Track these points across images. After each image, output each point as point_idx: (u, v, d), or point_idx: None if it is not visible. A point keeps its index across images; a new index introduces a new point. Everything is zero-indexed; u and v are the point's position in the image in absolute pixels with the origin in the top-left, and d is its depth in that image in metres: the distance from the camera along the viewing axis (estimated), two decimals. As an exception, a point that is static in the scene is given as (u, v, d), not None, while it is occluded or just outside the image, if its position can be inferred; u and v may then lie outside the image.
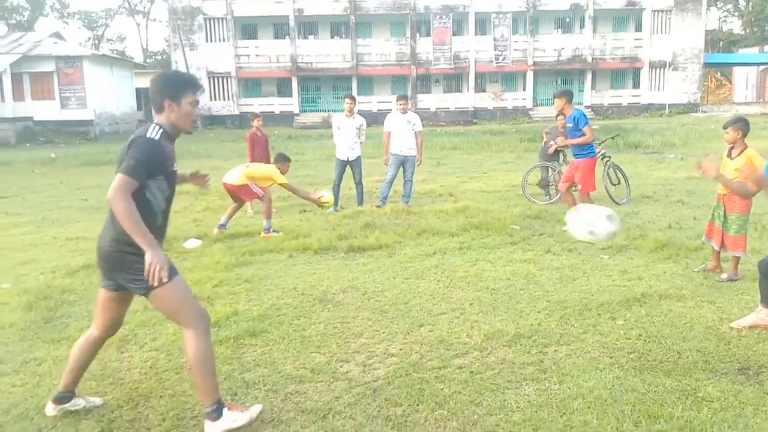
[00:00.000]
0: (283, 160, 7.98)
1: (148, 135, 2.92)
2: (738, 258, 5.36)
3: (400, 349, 3.97)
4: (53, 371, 3.77)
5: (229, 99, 39.43)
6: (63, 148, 25.90)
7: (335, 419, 3.15)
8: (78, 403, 3.27)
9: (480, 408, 3.23)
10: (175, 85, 3.01)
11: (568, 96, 7.47)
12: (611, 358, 3.80)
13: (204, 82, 36.40)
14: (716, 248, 5.54)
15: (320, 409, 3.23)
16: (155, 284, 2.75)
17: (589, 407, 3.20)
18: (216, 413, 2.98)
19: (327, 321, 4.50)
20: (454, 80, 41.01)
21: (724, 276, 5.34)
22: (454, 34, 39.06)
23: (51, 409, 3.23)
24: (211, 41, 39.30)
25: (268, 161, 9.37)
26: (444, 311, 4.69)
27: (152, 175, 2.90)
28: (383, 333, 4.26)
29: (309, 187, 11.82)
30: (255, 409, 3.12)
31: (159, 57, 60.42)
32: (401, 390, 3.43)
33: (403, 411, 3.21)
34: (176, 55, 38.81)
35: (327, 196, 7.38)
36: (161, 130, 2.98)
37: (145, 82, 41.15)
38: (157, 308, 3.12)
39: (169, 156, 3.01)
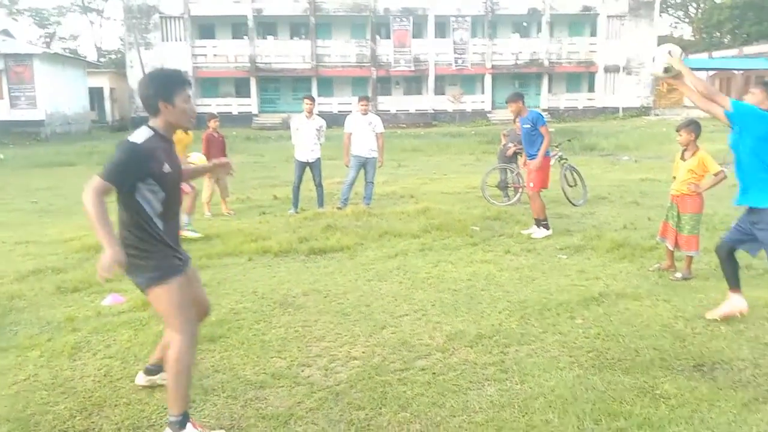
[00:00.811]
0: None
1: (131, 139, 2.89)
2: (691, 257, 5.51)
3: (363, 352, 3.94)
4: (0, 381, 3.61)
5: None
6: (12, 149, 25.00)
7: (297, 425, 3.10)
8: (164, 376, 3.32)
9: (443, 410, 3.22)
10: (164, 86, 2.97)
11: (521, 98, 7.57)
12: (571, 356, 3.84)
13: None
14: (670, 248, 5.68)
15: (281, 414, 3.18)
16: (105, 275, 2.70)
17: (550, 406, 3.23)
18: (179, 425, 2.92)
19: (288, 325, 4.43)
20: (414, 82, 41.19)
21: (679, 275, 5.47)
22: (414, 37, 39.24)
23: (141, 380, 3.51)
24: (168, 40, 38.53)
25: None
26: (406, 313, 4.68)
27: (137, 178, 2.85)
28: (345, 336, 4.21)
29: (270, 189, 11.72)
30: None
31: (113, 56, 58.93)
32: (364, 393, 3.39)
33: (366, 415, 3.18)
34: (131, 54, 37.92)
35: (196, 158, 7.47)
36: (150, 134, 2.92)
37: (98, 81, 40.18)
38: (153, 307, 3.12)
39: (159, 159, 2.91)
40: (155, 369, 3.46)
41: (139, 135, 2.90)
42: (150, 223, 2.92)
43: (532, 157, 7.43)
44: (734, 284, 4.42)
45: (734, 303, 4.42)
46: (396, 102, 40.20)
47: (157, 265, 2.91)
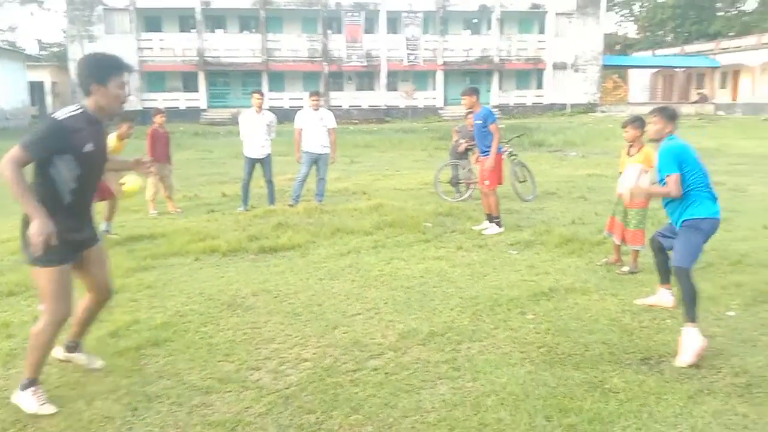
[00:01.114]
0: (122, 120, 7.35)
1: (53, 114, 3.02)
2: (637, 251, 5.63)
3: (314, 354, 3.86)
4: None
5: (131, 94, 37.59)
6: (-57, 145, 23.75)
7: (245, 431, 3.00)
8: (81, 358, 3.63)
9: (395, 410, 3.17)
10: (100, 69, 3.08)
11: (476, 94, 7.57)
12: (522, 352, 3.85)
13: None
14: (617, 242, 5.79)
15: (228, 421, 3.07)
16: (34, 254, 2.90)
17: (502, 404, 3.22)
18: (23, 387, 3.20)
19: (236, 327, 4.30)
20: (366, 78, 41.11)
21: (625, 269, 5.58)
22: (366, 32, 39.16)
23: (60, 354, 3.61)
24: (112, 33, 37.30)
25: (169, 160, 8.96)
26: (359, 312, 4.62)
27: (54, 152, 2.97)
28: (296, 337, 4.12)
29: (218, 186, 11.44)
30: (45, 409, 3.16)
31: (55, 49, 56.74)
32: (315, 396, 3.31)
33: (317, 418, 3.10)
34: (74, 47, 36.55)
35: (131, 182, 6.81)
36: (76, 112, 3.04)
37: (39, 75, 38.57)
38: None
39: (82, 137, 3.02)
40: (74, 345, 3.63)
41: (63, 111, 3.01)
42: (59, 197, 3.05)
43: (485, 152, 7.46)
44: (664, 279, 4.57)
45: (661, 298, 4.61)
46: (348, 97, 40.06)
47: (48, 248, 2.91)
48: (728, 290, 4.86)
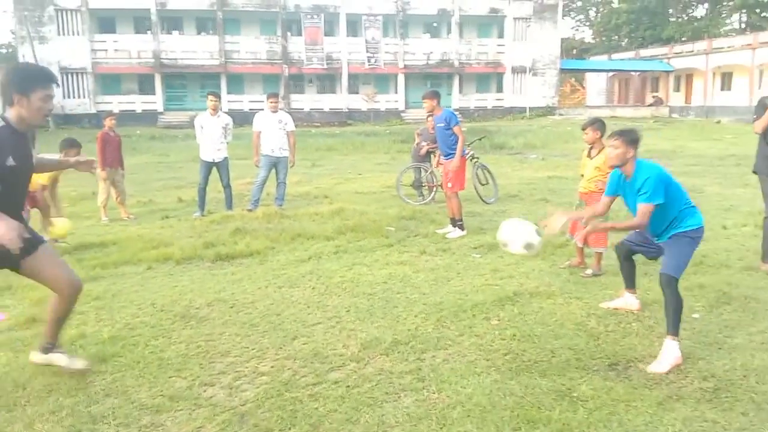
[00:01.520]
0: (69, 146, 7.01)
1: None
2: (601, 254, 5.60)
3: (272, 367, 3.66)
4: None
5: (84, 96, 36.54)
6: None
7: (196, 454, 2.80)
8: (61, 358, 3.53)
9: (357, 426, 3.01)
10: (24, 80, 2.99)
11: (437, 97, 7.49)
12: (488, 360, 3.74)
13: (56, 77, 33.39)
14: (579, 245, 5.75)
15: (179, 443, 2.86)
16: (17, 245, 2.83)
17: (468, 416, 3.09)
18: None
19: (189, 340, 4.07)
20: (327, 81, 40.86)
21: (589, 272, 5.54)
22: (326, 35, 38.91)
23: (38, 358, 3.54)
24: (64, 34, 36.19)
25: (121, 164, 8.63)
26: (319, 321, 4.44)
27: None
28: (253, 350, 3.92)
29: (174, 191, 11.10)
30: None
31: (4, 51, 54.82)
32: (272, 413, 3.13)
33: (274, 437, 2.92)
34: (24, 49, 35.28)
35: (59, 226, 6.34)
36: None
37: (-15, 76, 37.12)
38: None
39: (2, 151, 2.93)
40: (50, 346, 3.52)
41: None
42: None
43: (448, 156, 7.37)
44: (629, 284, 4.53)
45: (627, 301, 4.56)
46: (309, 100, 39.75)
47: None
48: (692, 292, 4.84)
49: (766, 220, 5.70)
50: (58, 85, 3.16)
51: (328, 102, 39.83)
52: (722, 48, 41.36)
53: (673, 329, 3.71)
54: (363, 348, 3.93)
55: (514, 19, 41.38)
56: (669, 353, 3.64)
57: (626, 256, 4.44)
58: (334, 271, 5.70)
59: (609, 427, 2.98)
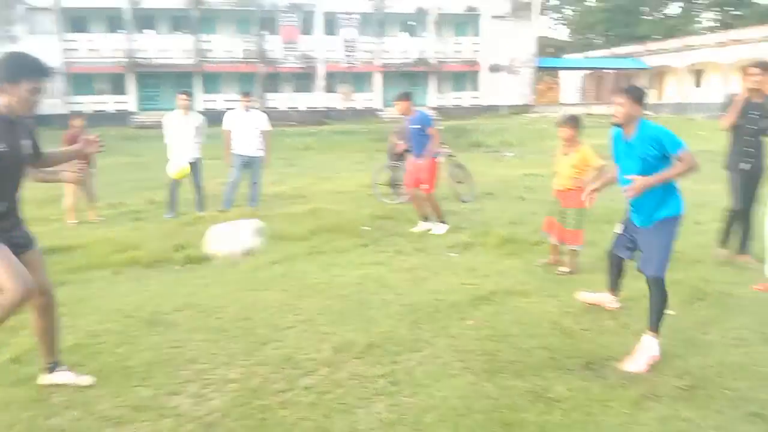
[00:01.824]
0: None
1: None
2: (576, 251, 5.56)
3: (241, 374, 3.55)
4: None
5: (56, 97, 35.79)
6: None
7: (159, 467, 2.69)
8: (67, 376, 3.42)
9: (328, 434, 2.92)
10: (14, 68, 3.00)
11: (409, 98, 7.46)
12: (462, 362, 3.67)
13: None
14: (555, 243, 5.72)
15: (141, 456, 2.75)
16: None
17: (442, 420, 3.02)
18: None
19: (156, 347, 3.93)
20: (304, 80, 40.56)
21: (564, 270, 5.51)
22: (302, 33, 38.64)
23: (46, 380, 3.41)
24: (36, 34, 35.36)
25: (91, 163, 8.39)
26: (291, 325, 4.33)
27: None
28: (221, 356, 3.80)
29: (146, 193, 10.85)
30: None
31: (-30, 49, 53.63)
32: (239, 422, 3.03)
33: (241, 448, 2.82)
34: (-8, 47, 34.52)
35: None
36: None
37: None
38: None
39: None
40: (53, 366, 3.43)
41: None
42: None
43: (420, 156, 7.31)
44: (613, 287, 4.45)
45: (604, 298, 4.50)
46: (286, 99, 39.41)
47: None
48: (667, 288, 4.82)
49: (729, 214, 5.77)
50: (49, 79, 3.12)
51: (304, 101, 39.54)
52: (695, 45, 41.99)
53: (654, 325, 3.69)
54: (336, 352, 3.84)
55: (491, 17, 41.49)
56: (647, 349, 3.60)
57: (617, 263, 4.34)
58: (307, 273, 5.60)
59: (585, 428, 2.93)
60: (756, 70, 5.56)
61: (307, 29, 39.08)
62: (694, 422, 2.99)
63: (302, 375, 3.55)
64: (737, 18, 51.64)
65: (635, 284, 4.60)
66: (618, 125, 3.83)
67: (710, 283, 5.07)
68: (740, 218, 5.76)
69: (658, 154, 3.65)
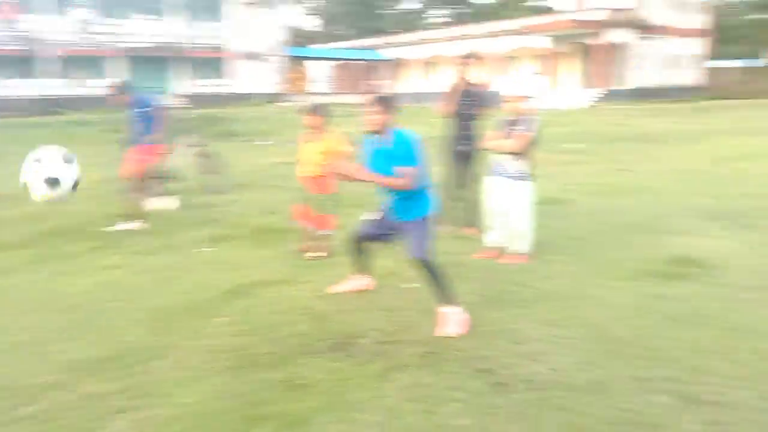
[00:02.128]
0: None
1: None
2: (327, 236, 5.67)
3: (-65, 417, 2.93)
4: None
5: None
6: None
7: None
8: None
9: (54, 468, 2.54)
10: None
11: (123, 87, 7.13)
12: (211, 363, 3.49)
13: None
14: (306, 229, 5.77)
15: None
16: None
17: (185, 429, 2.82)
18: None
19: None
20: (27, 64, 35.51)
21: (316, 254, 5.59)
22: (25, 12, 33.72)
23: None
24: None
25: None
26: (7, 348, 3.71)
27: None
28: None
29: None
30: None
31: None
32: (-69, 478, 2.48)
33: None
34: None
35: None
36: None
37: None
38: None
39: None
40: None
41: None
42: None
43: (143, 142, 6.94)
44: (362, 270, 4.59)
45: (355, 283, 4.64)
46: (4, 87, 34.16)
47: None
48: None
49: (449, 192, 6.36)
50: None
51: (29, 88, 34.69)
52: (429, 39, 46.27)
53: (446, 299, 3.92)
54: (66, 371, 3.39)
55: (239, 3, 40.73)
56: (451, 315, 3.86)
57: (364, 245, 4.45)
58: (29, 286, 4.87)
59: (336, 407, 2.98)
60: (466, 61, 6.32)
61: (30, 7, 34.23)
62: (433, 386, 3.22)
63: (21, 404, 3.05)
64: (467, 15, 58.07)
65: (378, 263, 4.85)
66: (373, 132, 4.02)
67: (443, 255, 5.53)
68: (461, 196, 6.44)
69: (405, 160, 3.91)
